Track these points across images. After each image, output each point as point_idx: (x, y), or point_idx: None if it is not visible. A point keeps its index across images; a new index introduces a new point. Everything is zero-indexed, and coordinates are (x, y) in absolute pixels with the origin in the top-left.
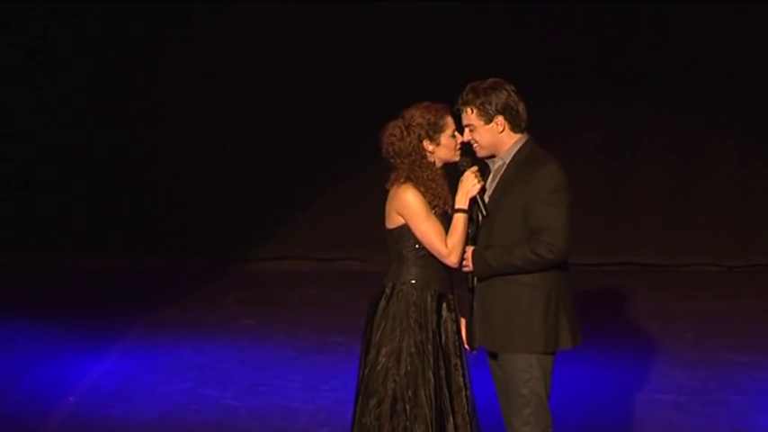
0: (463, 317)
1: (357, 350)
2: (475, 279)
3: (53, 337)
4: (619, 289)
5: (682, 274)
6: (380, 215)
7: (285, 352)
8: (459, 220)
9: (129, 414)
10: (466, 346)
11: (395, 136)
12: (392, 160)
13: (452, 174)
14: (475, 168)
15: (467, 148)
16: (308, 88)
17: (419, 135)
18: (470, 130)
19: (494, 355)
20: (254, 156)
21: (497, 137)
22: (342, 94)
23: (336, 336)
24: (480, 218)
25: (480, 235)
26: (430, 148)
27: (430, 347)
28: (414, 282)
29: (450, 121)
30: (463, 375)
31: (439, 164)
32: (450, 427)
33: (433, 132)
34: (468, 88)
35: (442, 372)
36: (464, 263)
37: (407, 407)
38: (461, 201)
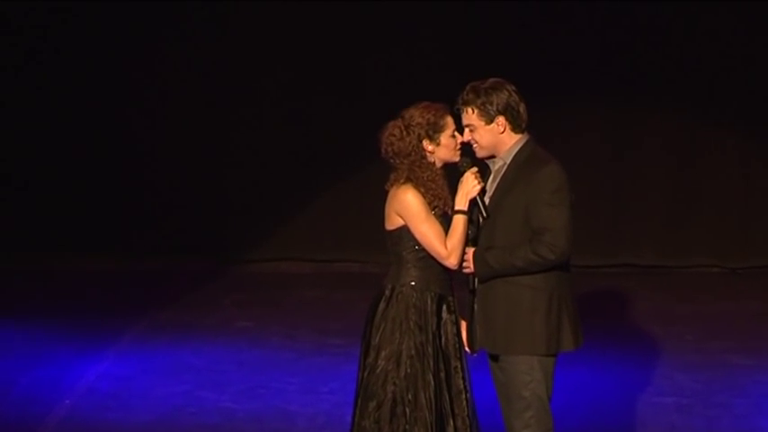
0: (463, 319)
1: (356, 352)
2: (476, 281)
3: (49, 338)
4: (619, 291)
5: (683, 276)
6: (380, 216)
7: (284, 354)
8: (459, 222)
9: (125, 417)
10: (466, 348)
11: (394, 136)
12: (392, 160)
13: (452, 175)
14: (475, 169)
15: (466, 149)
16: (308, 88)
17: (419, 135)
18: (470, 131)
19: (495, 358)
20: (253, 156)
21: (498, 137)
22: (342, 95)
23: (335, 338)
24: (480, 219)
25: (481, 236)
26: (430, 148)
27: (430, 350)
28: (413, 284)
29: (450, 120)
30: (463, 378)
31: (439, 164)
32: (451, 430)
33: (433, 132)
34: (468, 88)
35: (443, 374)
36: (465, 264)
37: (407, 410)
38: (461, 202)
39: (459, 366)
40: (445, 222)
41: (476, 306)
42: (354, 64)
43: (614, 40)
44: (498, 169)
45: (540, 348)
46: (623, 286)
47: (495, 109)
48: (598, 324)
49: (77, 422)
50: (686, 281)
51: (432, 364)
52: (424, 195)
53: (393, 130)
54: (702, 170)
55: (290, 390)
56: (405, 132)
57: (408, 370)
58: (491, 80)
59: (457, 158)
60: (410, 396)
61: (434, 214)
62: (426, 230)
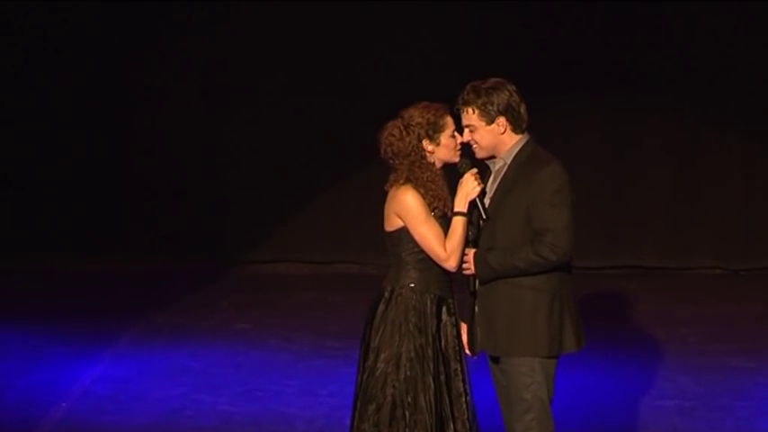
0: (464, 321)
1: (355, 355)
2: (477, 282)
3: (46, 341)
4: (621, 292)
5: (685, 278)
6: (379, 217)
7: (282, 356)
8: (459, 224)
9: (122, 420)
10: (467, 350)
11: (394, 136)
12: (391, 161)
13: (452, 176)
14: (474, 171)
15: (466, 150)
16: (308, 88)
17: (418, 135)
18: (470, 131)
19: (495, 360)
20: (251, 156)
21: (498, 138)
22: (341, 95)
23: (334, 340)
24: (480, 222)
25: (482, 237)
26: (429, 148)
27: (430, 352)
28: (413, 285)
29: (449, 120)
30: (463, 380)
31: (439, 164)
32: None
33: (433, 132)
34: (468, 88)
35: (442, 377)
36: (465, 265)
37: (407, 413)
38: (460, 204)
39: (460, 369)
40: (445, 224)
41: (476, 308)
42: (354, 64)
43: (614, 40)
44: (499, 170)
45: (542, 350)
46: (624, 288)
47: (495, 109)
48: (599, 326)
49: (73, 425)
50: (688, 282)
51: (432, 366)
52: (423, 196)
53: (392, 130)
54: (703, 170)
55: (289, 392)
56: (404, 132)
57: (408, 373)
58: (492, 80)
59: (457, 159)
60: (410, 399)
61: (434, 215)
62: (425, 232)
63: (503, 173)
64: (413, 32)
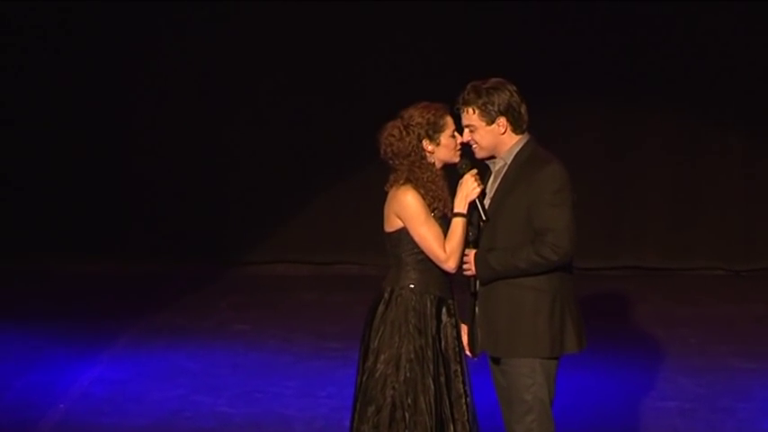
0: (464, 322)
1: (355, 356)
2: (477, 283)
3: (44, 342)
4: (622, 293)
5: (686, 278)
6: (379, 218)
7: (281, 358)
8: (458, 225)
9: (120, 421)
10: (467, 351)
11: (393, 136)
12: (391, 161)
13: (452, 176)
14: (474, 171)
15: (465, 150)
16: (308, 88)
17: (418, 135)
18: (471, 131)
19: (496, 361)
20: (251, 157)
21: (498, 138)
22: (341, 95)
23: (333, 341)
24: (480, 223)
25: (482, 238)
26: (429, 148)
27: (429, 353)
28: (413, 286)
29: (449, 120)
30: (463, 382)
31: (439, 165)
32: None
33: (433, 132)
34: (469, 88)
35: (442, 378)
36: (466, 266)
37: (407, 414)
38: (460, 205)
39: (460, 370)
40: (445, 224)
41: (477, 308)
42: (354, 64)
43: (614, 40)
44: (499, 170)
45: (543, 351)
46: (625, 289)
47: (496, 109)
48: (600, 327)
49: (72, 427)
50: (689, 283)
51: (431, 367)
52: (423, 197)
53: (392, 130)
54: (704, 171)
55: (288, 394)
56: (404, 132)
57: (408, 374)
58: (492, 80)
59: (457, 159)
60: (410, 400)
61: (434, 216)
62: (425, 233)
63: (503, 173)
64: (413, 32)
